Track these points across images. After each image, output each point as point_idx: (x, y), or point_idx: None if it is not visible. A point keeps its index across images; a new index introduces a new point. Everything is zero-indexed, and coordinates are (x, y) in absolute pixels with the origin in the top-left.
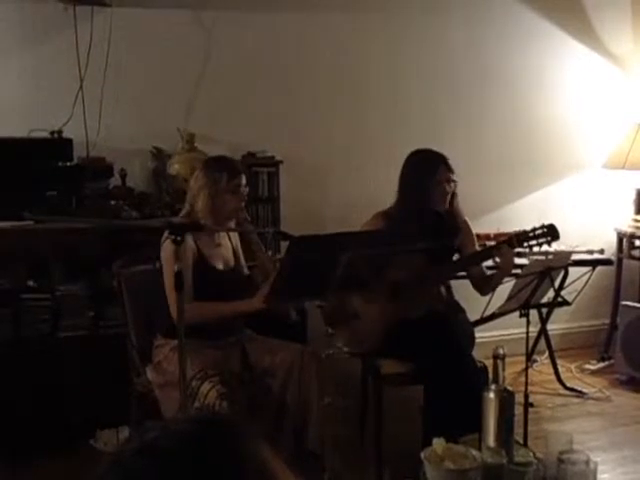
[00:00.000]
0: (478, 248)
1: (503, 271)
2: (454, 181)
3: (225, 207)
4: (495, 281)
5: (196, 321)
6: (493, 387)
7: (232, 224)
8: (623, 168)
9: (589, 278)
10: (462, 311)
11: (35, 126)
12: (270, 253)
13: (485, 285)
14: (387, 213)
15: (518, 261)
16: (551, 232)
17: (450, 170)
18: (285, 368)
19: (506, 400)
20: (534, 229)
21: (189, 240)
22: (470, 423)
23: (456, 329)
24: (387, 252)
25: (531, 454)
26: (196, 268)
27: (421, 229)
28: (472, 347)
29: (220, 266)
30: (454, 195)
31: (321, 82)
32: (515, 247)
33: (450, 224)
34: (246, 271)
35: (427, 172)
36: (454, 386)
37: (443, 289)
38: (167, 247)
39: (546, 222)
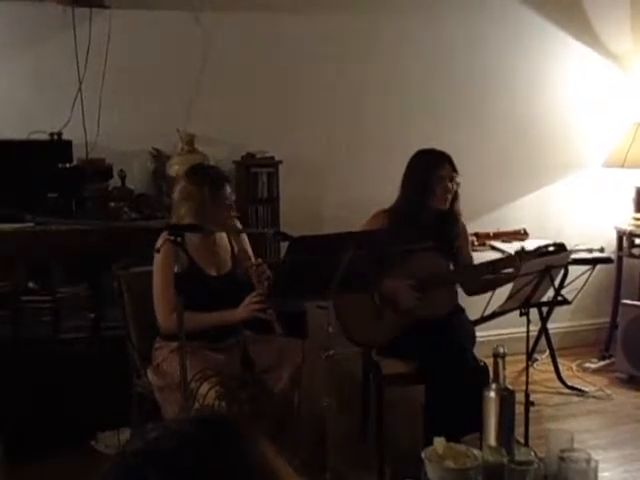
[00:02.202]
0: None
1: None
2: (457, 182)
3: (211, 221)
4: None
5: (175, 332)
6: (494, 386)
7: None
8: (622, 167)
9: (589, 277)
10: (462, 310)
11: (34, 128)
12: (259, 262)
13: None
14: (389, 211)
15: None
16: (561, 250)
17: (454, 169)
18: (291, 366)
19: (507, 399)
20: (546, 246)
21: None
22: (471, 423)
23: (458, 328)
24: (388, 252)
25: (532, 453)
26: (187, 276)
27: (422, 228)
28: (473, 346)
29: (213, 272)
30: (456, 196)
31: (320, 82)
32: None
33: (451, 225)
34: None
35: (431, 168)
36: (455, 386)
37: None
38: (165, 250)
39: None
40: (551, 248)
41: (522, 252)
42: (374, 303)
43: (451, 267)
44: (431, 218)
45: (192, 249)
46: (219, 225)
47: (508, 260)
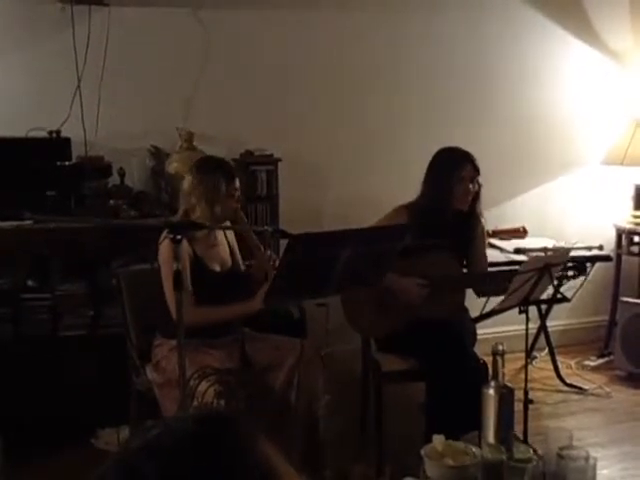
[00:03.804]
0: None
1: None
2: (479, 183)
3: (224, 212)
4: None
5: (197, 325)
6: (493, 384)
7: (227, 223)
8: (622, 164)
9: (588, 274)
10: (465, 310)
11: (33, 126)
12: (269, 252)
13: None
14: (408, 207)
15: (516, 257)
16: (580, 268)
17: (476, 170)
18: (289, 364)
19: (506, 397)
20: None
21: (184, 243)
22: (471, 420)
23: (459, 326)
24: (387, 250)
25: (531, 450)
26: (193, 271)
27: (439, 226)
28: (473, 345)
29: (217, 268)
30: (477, 197)
31: (320, 80)
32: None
33: (469, 226)
34: (242, 268)
35: (452, 167)
36: (455, 384)
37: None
38: (165, 247)
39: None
40: (569, 265)
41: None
42: (380, 293)
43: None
44: (450, 217)
45: (197, 245)
46: (229, 216)
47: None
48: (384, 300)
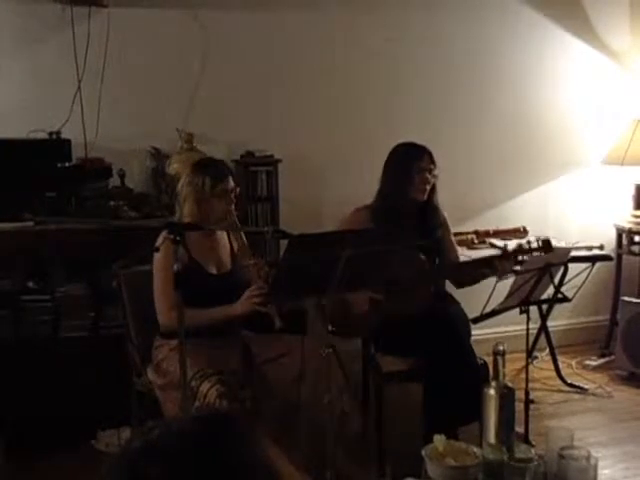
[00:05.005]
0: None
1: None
2: (435, 175)
3: (212, 212)
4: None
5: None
6: (493, 384)
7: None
8: (622, 164)
9: (589, 274)
10: (456, 302)
11: (33, 127)
12: (257, 259)
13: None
14: (369, 207)
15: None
16: (546, 247)
17: (433, 162)
18: (292, 363)
19: (506, 397)
20: (529, 242)
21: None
22: (471, 413)
23: (458, 324)
24: (387, 249)
25: (532, 450)
26: (188, 273)
27: (404, 222)
28: (469, 338)
29: (213, 270)
30: (434, 189)
31: (319, 81)
32: (511, 260)
33: (430, 216)
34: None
35: (411, 159)
36: (454, 377)
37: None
38: (165, 249)
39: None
40: (534, 245)
41: (504, 254)
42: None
43: (436, 261)
44: (412, 210)
45: (193, 247)
46: (218, 217)
47: (487, 261)
48: (348, 309)
